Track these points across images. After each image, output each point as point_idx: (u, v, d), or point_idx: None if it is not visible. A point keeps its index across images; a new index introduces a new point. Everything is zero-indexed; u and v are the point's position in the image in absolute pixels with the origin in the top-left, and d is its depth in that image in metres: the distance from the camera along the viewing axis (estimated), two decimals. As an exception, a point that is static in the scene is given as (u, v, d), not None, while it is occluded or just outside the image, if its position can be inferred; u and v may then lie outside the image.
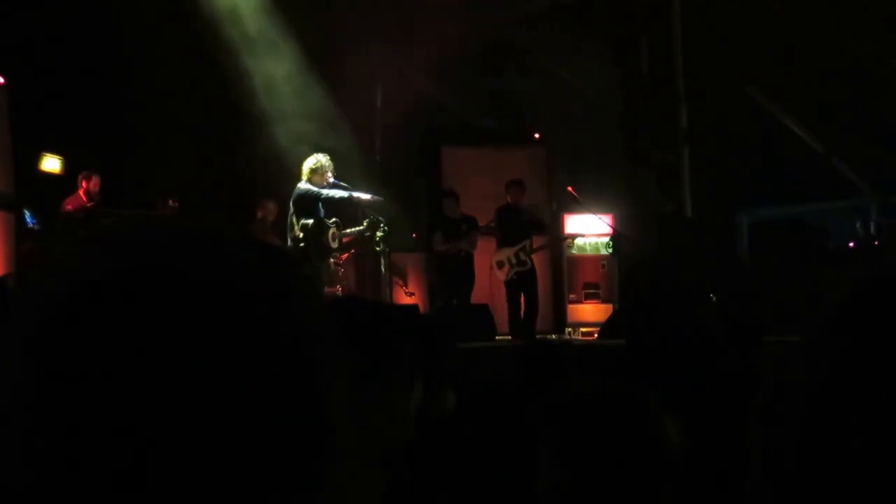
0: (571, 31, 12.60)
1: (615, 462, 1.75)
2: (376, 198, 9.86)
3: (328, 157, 9.59)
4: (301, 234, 9.38)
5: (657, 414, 1.80)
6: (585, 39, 12.67)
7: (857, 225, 12.21)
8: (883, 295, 0.84)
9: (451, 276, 10.91)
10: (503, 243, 11.10)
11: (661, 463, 1.76)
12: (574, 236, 12.33)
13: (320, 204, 9.46)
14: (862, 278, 0.86)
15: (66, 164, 10.69)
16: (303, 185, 9.43)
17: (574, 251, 12.56)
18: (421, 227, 11.73)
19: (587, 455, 1.76)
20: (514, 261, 11.00)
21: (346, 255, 11.09)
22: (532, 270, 11.09)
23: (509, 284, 11.03)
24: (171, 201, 10.98)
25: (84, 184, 10.44)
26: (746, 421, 0.99)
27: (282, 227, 10.26)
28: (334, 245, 9.91)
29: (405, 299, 11.42)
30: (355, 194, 9.56)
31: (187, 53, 10.98)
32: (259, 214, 11.24)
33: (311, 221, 9.40)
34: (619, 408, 1.81)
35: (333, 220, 9.78)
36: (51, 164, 10.74)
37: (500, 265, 11.04)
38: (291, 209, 9.53)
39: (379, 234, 10.55)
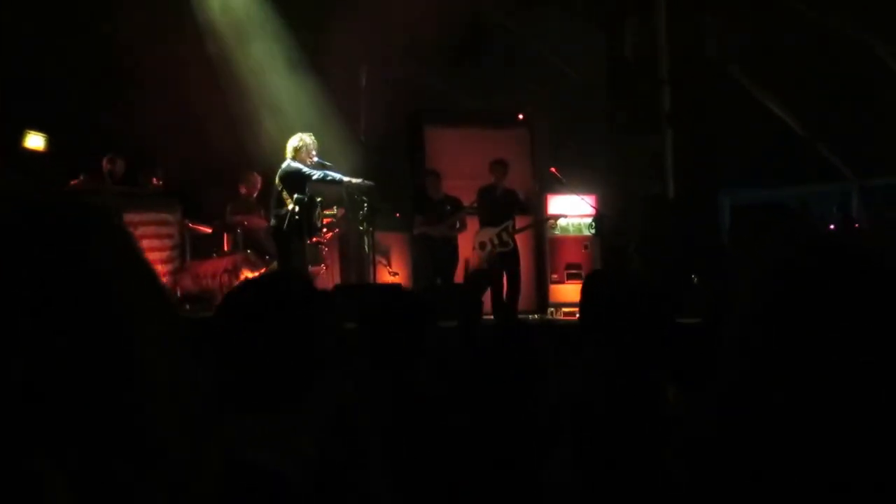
0: (556, 12, 12.60)
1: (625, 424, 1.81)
2: (367, 182, 9.88)
3: (312, 136, 9.60)
4: (297, 208, 9.38)
5: (658, 381, 1.86)
6: (570, 21, 12.67)
7: (834, 209, 12.29)
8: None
9: (434, 255, 10.94)
10: (485, 223, 11.11)
11: (661, 423, 1.83)
12: (557, 217, 12.35)
13: (308, 185, 9.48)
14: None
15: (50, 142, 10.65)
16: (293, 164, 9.45)
17: (557, 232, 12.57)
18: (405, 207, 11.75)
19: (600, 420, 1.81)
20: (496, 241, 11.01)
21: (331, 234, 11.13)
22: (514, 251, 11.12)
23: (491, 265, 11.06)
24: (154, 179, 10.99)
25: (108, 166, 10.48)
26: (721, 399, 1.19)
27: (267, 201, 10.25)
28: (319, 224, 9.98)
29: (389, 279, 11.46)
30: (345, 179, 9.59)
31: (174, 32, 10.94)
32: (243, 190, 11.23)
33: (305, 197, 9.44)
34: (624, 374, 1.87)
35: (318, 199, 9.81)
36: (35, 141, 10.70)
37: (483, 246, 11.06)
38: (280, 185, 9.53)
39: (361, 213, 10.57)
